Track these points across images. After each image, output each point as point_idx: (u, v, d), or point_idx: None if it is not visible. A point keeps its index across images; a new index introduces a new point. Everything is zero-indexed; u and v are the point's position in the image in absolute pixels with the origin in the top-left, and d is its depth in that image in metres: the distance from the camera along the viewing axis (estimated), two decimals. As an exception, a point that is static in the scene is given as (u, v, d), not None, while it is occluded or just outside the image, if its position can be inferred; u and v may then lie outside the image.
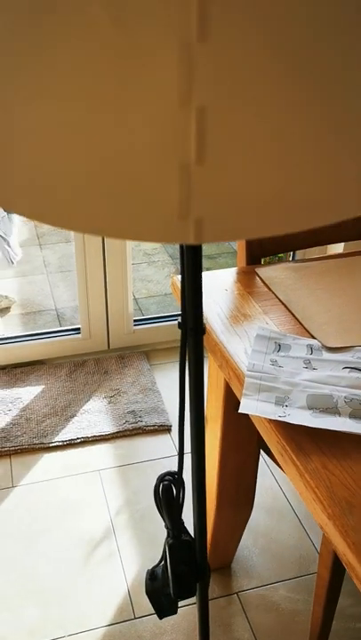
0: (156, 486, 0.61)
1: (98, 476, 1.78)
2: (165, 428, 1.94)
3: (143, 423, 1.94)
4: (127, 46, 0.25)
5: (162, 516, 0.62)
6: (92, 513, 1.67)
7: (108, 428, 1.92)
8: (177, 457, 0.56)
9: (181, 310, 0.48)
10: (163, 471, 1.77)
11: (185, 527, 0.63)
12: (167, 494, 0.60)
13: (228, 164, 0.28)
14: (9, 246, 2.33)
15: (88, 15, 0.25)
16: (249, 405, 0.89)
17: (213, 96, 0.26)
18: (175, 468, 0.58)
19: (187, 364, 0.51)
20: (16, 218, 2.42)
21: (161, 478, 0.61)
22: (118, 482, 1.76)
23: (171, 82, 0.26)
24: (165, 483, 0.60)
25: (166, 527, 0.62)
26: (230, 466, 1.31)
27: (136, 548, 1.58)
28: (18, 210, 0.32)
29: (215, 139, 0.27)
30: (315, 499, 0.76)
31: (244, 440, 1.27)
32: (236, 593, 1.49)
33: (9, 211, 0.34)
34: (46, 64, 0.28)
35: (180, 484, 0.60)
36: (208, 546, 1.47)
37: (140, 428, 1.93)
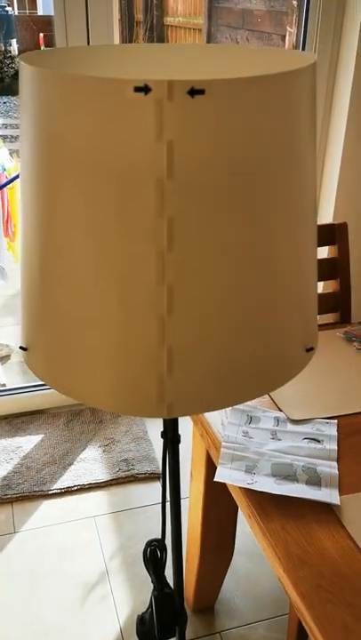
0: (144, 550, 0.78)
1: (93, 521, 1.94)
2: (156, 476, 2.10)
3: (135, 471, 2.10)
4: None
5: (149, 574, 0.79)
6: (87, 557, 1.82)
7: (102, 476, 2.08)
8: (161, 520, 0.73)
9: (163, 424, 0.66)
10: (153, 517, 1.92)
11: (167, 582, 0.80)
12: (153, 557, 0.77)
13: (189, 376, 0.47)
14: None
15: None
16: (223, 474, 1.07)
17: (179, 339, 0.45)
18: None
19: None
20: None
21: (148, 544, 0.78)
22: (112, 527, 1.92)
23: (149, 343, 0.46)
24: (152, 547, 0.77)
25: (152, 582, 0.79)
26: (212, 517, 1.48)
27: (128, 590, 1.73)
28: (58, 388, 0.50)
29: (180, 364, 0.46)
30: (273, 555, 0.94)
31: (223, 494, 1.45)
32: (219, 632, 1.64)
33: (49, 385, 0.52)
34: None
35: (163, 549, 0.77)
36: (193, 589, 1.63)
37: (132, 475, 2.09)
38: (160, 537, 0.78)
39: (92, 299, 0.46)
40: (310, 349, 0.55)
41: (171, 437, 0.66)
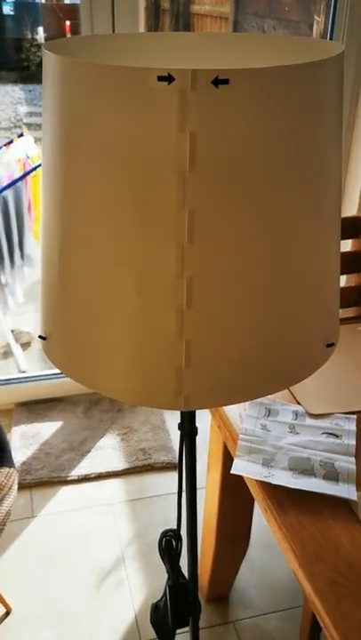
0: (159, 540, 0.79)
1: (110, 509, 1.95)
2: (173, 466, 2.11)
3: (152, 460, 2.11)
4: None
5: (164, 563, 0.80)
6: (104, 544, 1.84)
7: (120, 465, 2.10)
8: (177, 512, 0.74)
9: (181, 416, 0.66)
10: (169, 507, 1.94)
11: (182, 572, 0.81)
12: (168, 547, 0.77)
13: (207, 369, 0.46)
14: (11, 294, 2.55)
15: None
16: (240, 466, 1.06)
17: (198, 332, 0.45)
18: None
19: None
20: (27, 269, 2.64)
21: (164, 534, 0.79)
22: (129, 515, 1.94)
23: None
24: (167, 538, 0.78)
25: (167, 572, 0.80)
26: (228, 508, 1.48)
27: (143, 577, 1.75)
28: (76, 377, 0.50)
29: (198, 357, 0.46)
30: (289, 549, 0.93)
31: (239, 486, 1.45)
32: (233, 622, 1.65)
33: (70, 376, 0.53)
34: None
35: (178, 539, 0.77)
36: (208, 578, 1.64)
37: (149, 464, 2.10)
38: (176, 527, 0.79)
39: (111, 290, 0.46)
40: (331, 345, 0.54)
41: (188, 429, 0.66)
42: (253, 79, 0.40)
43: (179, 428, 0.67)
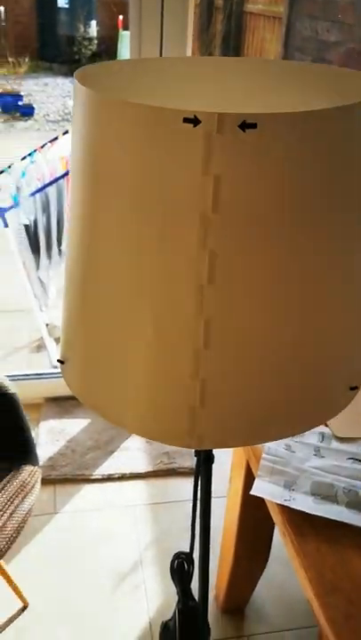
0: (171, 562, 0.78)
1: (131, 510, 1.96)
2: (196, 472, 2.10)
3: (176, 465, 2.11)
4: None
5: (175, 585, 0.79)
6: (123, 545, 1.85)
7: (143, 467, 2.10)
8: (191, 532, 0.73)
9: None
10: (190, 513, 1.93)
11: (193, 595, 0.80)
12: (180, 569, 0.77)
13: (222, 410, 0.45)
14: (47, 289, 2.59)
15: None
16: (261, 487, 1.05)
17: (214, 373, 0.44)
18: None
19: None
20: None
21: (176, 556, 0.78)
22: (149, 518, 1.94)
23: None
24: (179, 560, 0.77)
25: (178, 594, 0.79)
26: (249, 522, 1.47)
27: (160, 582, 1.75)
28: (89, 404, 0.50)
29: (213, 397, 0.45)
30: (305, 577, 0.92)
31: (261, 501, 1.43)
32: (247, 636, 1.63)
33: (100, 414, 0.52)
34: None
35: (190, 562, 0.77)
36: (225, 590, 1.63)
37: (172, 469, 2.10)
38: (188, 550, 0.78)
39: (129, 325, 0.46)
40: (355, 388, 0.52)
41: (204, 457, 0.65)
42: (281, 123, 0.38)
43: (195, 455, 0.66)
